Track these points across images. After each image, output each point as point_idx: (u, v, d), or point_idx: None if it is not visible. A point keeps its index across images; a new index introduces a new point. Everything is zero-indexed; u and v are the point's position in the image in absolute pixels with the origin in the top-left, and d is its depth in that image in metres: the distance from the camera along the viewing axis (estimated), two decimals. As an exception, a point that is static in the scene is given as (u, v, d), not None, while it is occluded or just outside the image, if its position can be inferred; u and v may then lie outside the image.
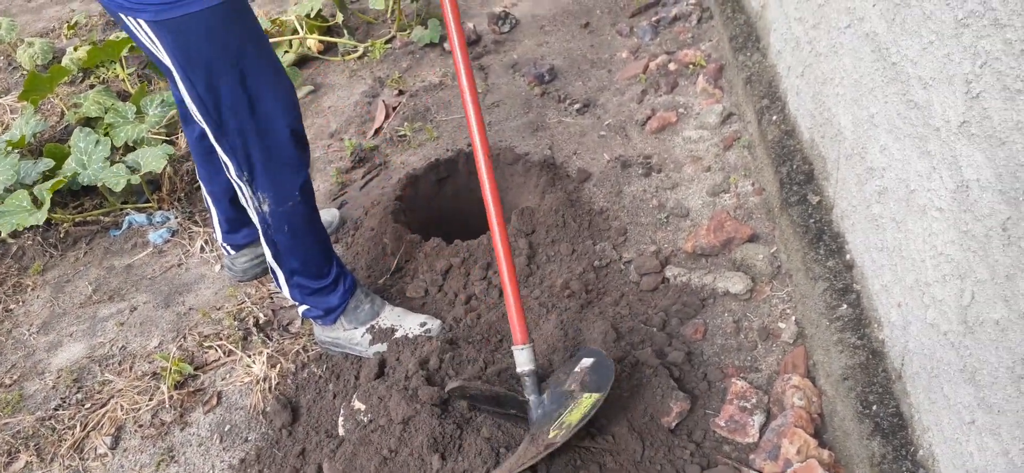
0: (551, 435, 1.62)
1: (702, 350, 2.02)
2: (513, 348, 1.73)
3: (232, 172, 1.80)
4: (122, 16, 1.60)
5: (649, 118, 2.80)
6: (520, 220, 2.39)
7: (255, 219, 1.89)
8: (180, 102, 1.88)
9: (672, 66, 3.01)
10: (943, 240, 1.37)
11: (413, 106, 3.12)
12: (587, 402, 1.66)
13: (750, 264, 2.20)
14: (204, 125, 1.72)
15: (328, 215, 2.60)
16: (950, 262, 1.34)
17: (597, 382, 1.71)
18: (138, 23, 1.57)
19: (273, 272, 2.03)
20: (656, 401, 1.81)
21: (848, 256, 1.88)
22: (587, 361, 1.79)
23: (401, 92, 3.21)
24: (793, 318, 2.03)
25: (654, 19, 3.31)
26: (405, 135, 2.97)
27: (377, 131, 3.05)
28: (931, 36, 1.37)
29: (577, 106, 2.93)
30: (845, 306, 1.80)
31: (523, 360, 1.71)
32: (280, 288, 2.06)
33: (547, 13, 3.55)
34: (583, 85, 3.07)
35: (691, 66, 2.98)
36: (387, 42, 3.50)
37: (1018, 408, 1.16)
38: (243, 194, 1.85)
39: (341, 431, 1.93)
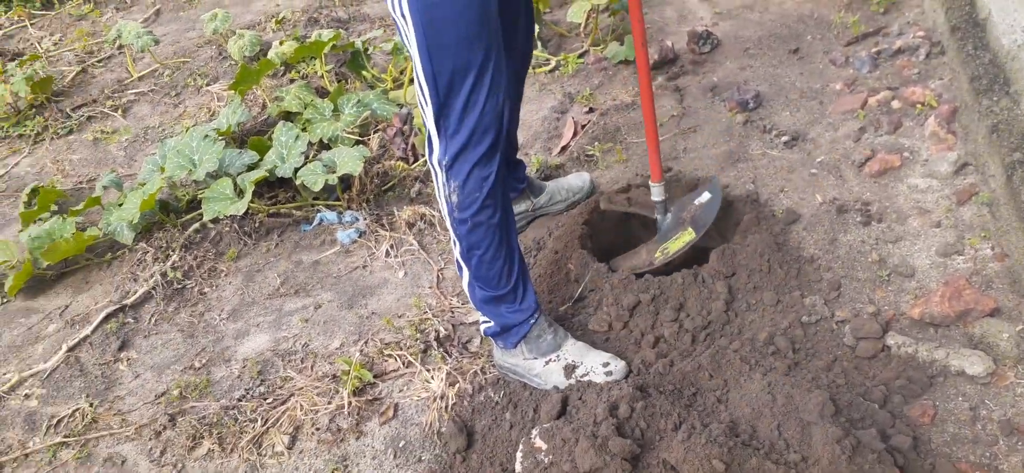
0: (656, 255, 2.24)
1: (930, 437, 1.76)
2: (651, 183, 2.26)
3: (435, 154, 1.83)
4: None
5: (868, 159, 2.52)
6: (720, 260, 2.20)
7: (445, 211, 1.91)
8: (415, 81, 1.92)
9: (895, 103, 2.71)
10: None
11: (603, 125, 2.99)
12: (685, 237, 2.22)
13: (991, 343, 1.90)
14: (428, 103, 1.76)
15: (578, 180, 2.66)
16: None
17: (700, 221, 2.23)
18: (399, 2, 1.67)
19: (458, 266, 2.00)
20: (881, 494, 1.57)
21: None
22: (704, 197, 2.29)
23: (591, 110, 3.10)
24: (1050, 416, 1.72)
25: (874, 50, 3.00)
26: (593, 155, 2.85)
27: (564, 148, 2.95)
28: None
29: (784, 138, 2.69)
30: None
31: (657, 192, 2.28)
32: (463, 290, 2.04)
33: (752, 35, 3.32)
34: (791, 116, 2.82)
35: (919, 105, 2.66)
36: (580, 57, 3.40)
37: None
38: (438, 180, 1.87)
39: (518, 468, 1.83)
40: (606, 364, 1.98)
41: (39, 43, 4.43)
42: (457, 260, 2.00)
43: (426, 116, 1.81)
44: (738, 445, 1.69)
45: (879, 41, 3.07)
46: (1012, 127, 2.23)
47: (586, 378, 1.97)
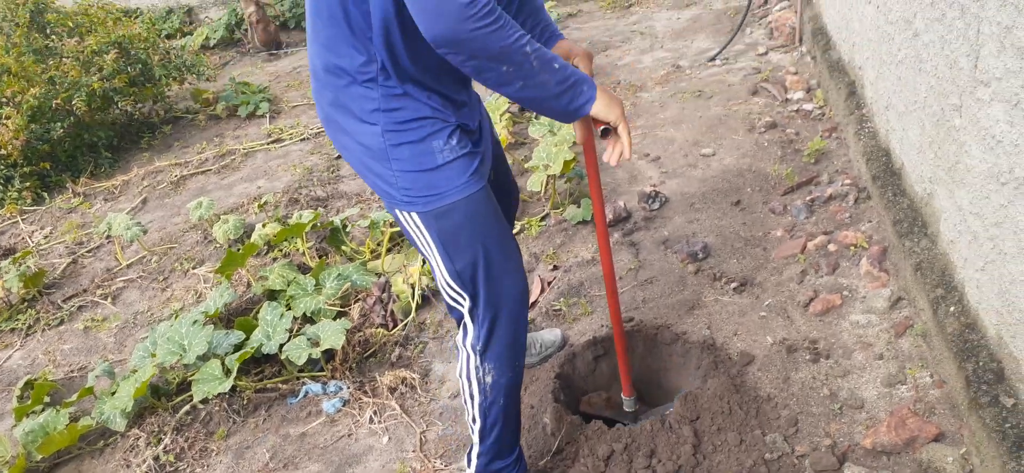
0: None
1: (890, 562, 1.89)
2: (623, 396, 2.47)
3: (469, 340, 1.98)
4: (396, 211, 1.87)
5: (812, 300, 2.75)
6: (684, 406, 2.37)
7: (474, 390, 2.03)
8: (440, 287, 2.06)
9: (832, 246, 2.98)
10: None
11: (567, 281, 3.21)
12: None
13: (938, 467, 2.07)
14: (458, 297, 1.93)
15: (551, 335, 2.84)
16: None
17: None
18: (410, 216, 1.83)
19: (472, 443, 2.12)
20: None
21: (1056, 469, 1.74)
22: (670, 409, 2.41)
23: (556, 268, 3.33)
24: (993, 532, 1.87)
25: (808, 198, 3.31)
26: (561, 309, 3.05)
27: (533, 305, 3.15)
28: None
29: (734, 285, 2.93)
30: (1058, 527, 1.65)
31: (628, 404, 2.48)
32: (470, 460, 2.15)
33: (696, 191, 3.62)
34: (738, 263, 3.07)
35: (852, 247, 2.93)
36: (541, 220, 3.67)
37: None
38: (470, 364, 2.00)
39: None
40: (586, 516, 2.11)
41: (30, 237, 4.62)
42: (472, 437, 2.11)
43: (461, 308, 1.96)
44: None
45: (812, 190, 3.38)
46: (933, 265, 2.48)
47: (568, 530, 2.09)
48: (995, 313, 2.03)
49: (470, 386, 2.03)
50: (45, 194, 5.14)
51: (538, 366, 2.78)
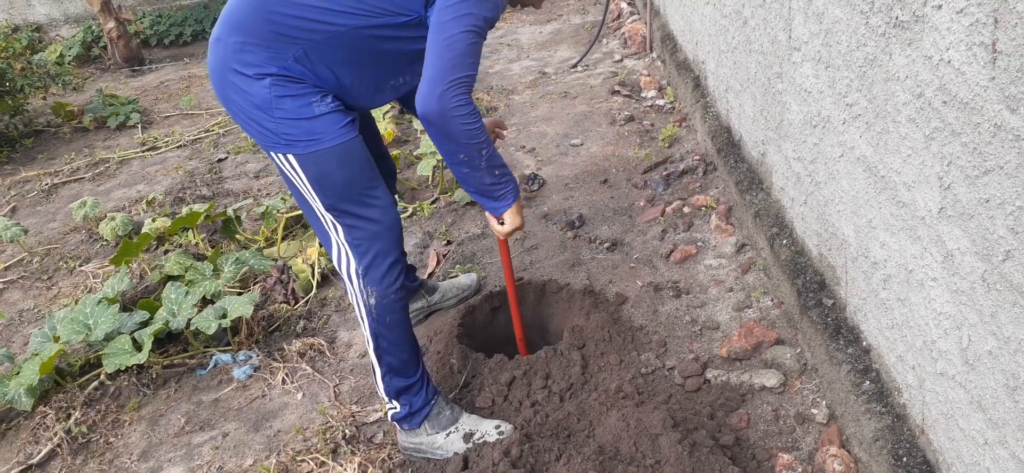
0: None
1: (748, 436, 2.31)
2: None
3: (352, 267, 2.20)
4: (272, 153, 2.08)
5: (672, 251, 3.21)
6: (572, 336, 2.73)
7: (363, 314, 2.26)
8: (313, 218, 2.27)
9: (686, 209, 3.46)
10: (940, 302, 1.73)
11: (461, 252, 3.52)
12: None
13: (780, 363, 2.53)
14: (337, 228, 2.16)
15: (467, 279, 3.18)
16: (948, 318, 1.70)
17: None
18: (286, 158, 2.05)
19: (373, 367, 2.36)
20: None
21: (865, 342, 2.22)
22: None
23: (449, 242, 3.63)
24: (824, 403, 2.34)
25: (664, 174, 3.80)
26: (456, 275, 3.35)
27: (431, 275, 3.43)
28: (908, 151, 1.80)
29: (606, 245, 3.34)
30: (868, 382, 2.13)
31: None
32: (376, 383, 2.39)
33: (570, 174, 4.04)
34: (609, 229, 3.50)
35: (703, 208, 3.43)
36: (432, 203, 3.96)
37: (1016, 415, 1.48)
38: (353, 288, 2.23)
39: (434, 519, 2.17)
40: (498, 426, 2.40)
41: None
42: (372, 361, 2.36)
43: (337, 239, 2.20)
44: (606, 460, 2.16)
45: (667, 167, 3.88)
46: (768, 211, 2.99)
47: (482, 440, 2.37)
48: (816, 236, 2.53)
49: (359, 310, 2.27)
50: None
51: (454, 308, 3.06)
